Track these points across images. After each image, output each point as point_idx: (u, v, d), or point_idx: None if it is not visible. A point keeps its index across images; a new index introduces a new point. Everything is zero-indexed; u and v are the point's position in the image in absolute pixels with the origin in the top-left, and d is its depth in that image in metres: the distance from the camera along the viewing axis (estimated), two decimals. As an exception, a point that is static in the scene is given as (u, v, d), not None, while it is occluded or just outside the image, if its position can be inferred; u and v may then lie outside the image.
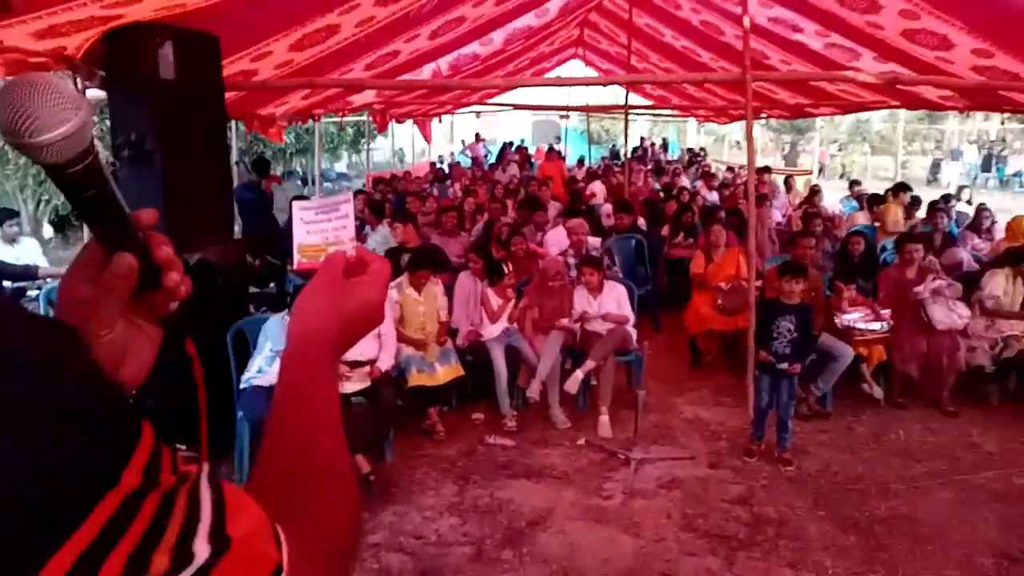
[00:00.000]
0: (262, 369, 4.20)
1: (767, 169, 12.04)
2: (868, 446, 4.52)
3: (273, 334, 4.23)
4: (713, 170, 15.29)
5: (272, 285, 6.01)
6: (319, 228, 0.91)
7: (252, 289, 5.47)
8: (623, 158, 12.01)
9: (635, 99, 14.99)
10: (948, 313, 4.97)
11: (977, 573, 3.22)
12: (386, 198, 9.18)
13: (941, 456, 4.39)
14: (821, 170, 22.34)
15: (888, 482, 4.04)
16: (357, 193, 9.04)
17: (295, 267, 0.92)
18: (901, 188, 8.39)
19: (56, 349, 0.42)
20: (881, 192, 8.82)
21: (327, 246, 0.89)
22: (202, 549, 0.43)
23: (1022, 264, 5.18)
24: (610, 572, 3.25)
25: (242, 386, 4.20)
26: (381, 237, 7.03)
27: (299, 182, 20.19)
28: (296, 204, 0.96)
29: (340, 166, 24.33)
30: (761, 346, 4.38)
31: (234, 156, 9.54)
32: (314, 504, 0.55)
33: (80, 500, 0.39)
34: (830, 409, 4.95)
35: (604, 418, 4.74)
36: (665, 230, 7.67)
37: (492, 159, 17.52)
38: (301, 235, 0.92)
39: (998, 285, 5.14)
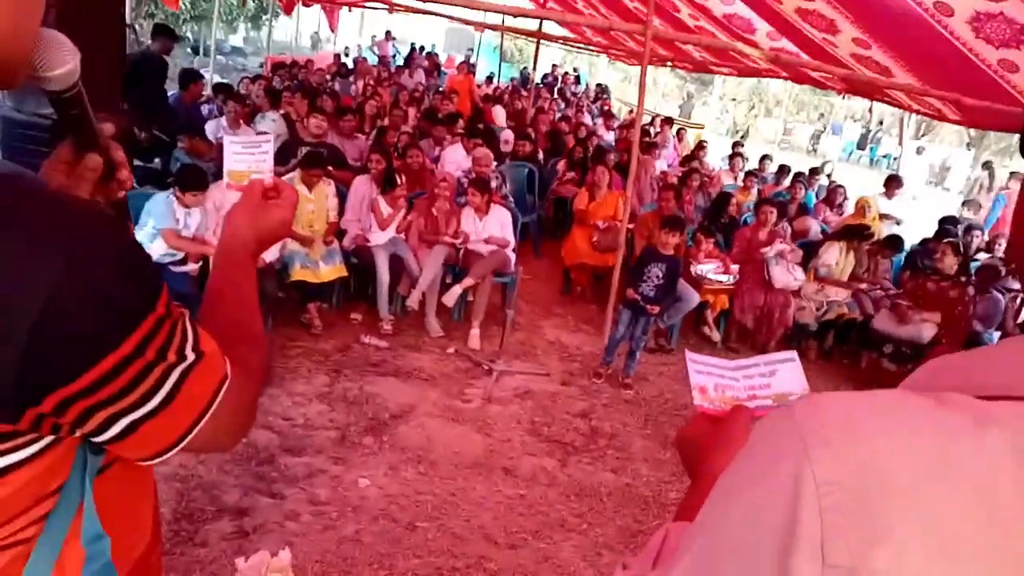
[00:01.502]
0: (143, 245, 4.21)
1: (670, 120, 12.54)
2: (699, 381, 5.15)
3: (158, 212, 4.24)
4: (616, 109, 15.69)
5: (157, 160, 5.85)
6: (243, 159, 1.17)
7: (136, 163, 5.34)
8: (531, 84, 12.13)
9: (551, 26, 14.94)
10: (786, 274, 5.63)
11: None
12: (286, 85, 8.93)
13: (757, 395, 5.07)
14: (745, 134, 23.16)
15: (709, 412, 4.66)
16: (256, 78, 8.74)
17: (224, 186, 1.20)
18: (749, 174, 8.89)
19: (124, 229, 0.68)
20: (755, 157, 9.44)
21: (250, 172, 1.15)
22: (190, 354, 0.71)
23: (855, 239, 5.91)
24: (460, 463, 3.65)
25: (121, 259, 4.20)
26: (269, 123, 6.93)
27: (189, 50, 18.85)
28: (227, 138, 1.24)
29: (236, 39, 22.83)
30: (630, 285, 4.83)
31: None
32: (242, 350, 0.83)
33: (141, 311, 0.66)
34: (674, 346, 5.55)
35: (475, 331, 5.10)
36: (562, 165, 7.96)
37: (400, 60, 17.08)
38: (230, 163, 1.18)
39: (832, 256, 5.85)
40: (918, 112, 7.65)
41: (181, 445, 0.74)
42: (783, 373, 0.88)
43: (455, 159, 6.83)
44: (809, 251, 6.04)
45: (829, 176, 10.45)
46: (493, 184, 6.12)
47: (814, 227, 6.91)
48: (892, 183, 8.07)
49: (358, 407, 4.04)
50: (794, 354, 0.90)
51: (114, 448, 0.71)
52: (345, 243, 5.16)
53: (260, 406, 3.92)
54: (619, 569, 0.69)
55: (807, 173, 9.09)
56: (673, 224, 4.86)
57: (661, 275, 4.75)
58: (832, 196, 8.11)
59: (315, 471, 3.42)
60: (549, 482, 3.62)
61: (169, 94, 7.81)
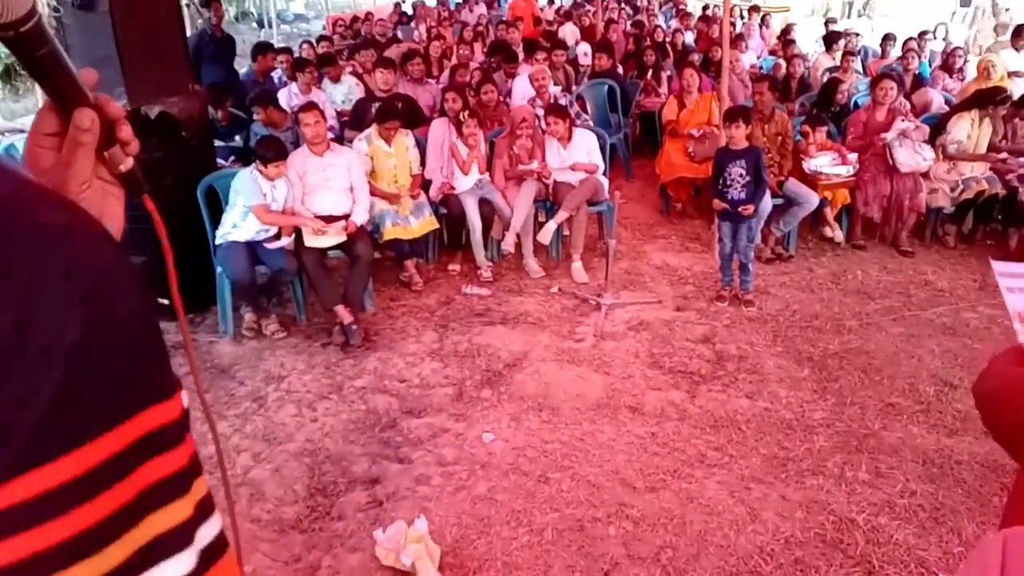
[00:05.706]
0: (236, 224, 4.20)
1: (756, 8, 11.52)
2: (826, 286, 4.75)
3: (245, 189, 4.19)
4: (690, 8, 14.64)
5: (237, 138, 5.84)
6: None
7: (218, 143, 5.33)
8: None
9: (609, -72, 13.98)
10: (913, 155, 5.05)
11: (919, 399, 3.50)
12: (347, 44, 8.74)
13: (895, 294, 4.63)
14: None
15: (843, 319, 4.29)
16: (319, 40, 8.59)
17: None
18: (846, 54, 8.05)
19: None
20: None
21: None
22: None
23: (988, 106, 5.21)
24: (581, 406, 3.50)
25: (218, 242, 4.22)
26: (347, 88, 6.77)
27: (255, 24, 18.97)
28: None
29: (296, 6, 22.82)
30: (716, 195, 4.46)
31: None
32: None
33: None
34: (792, 252, 5.14)
35: (577, 264, 4.88)
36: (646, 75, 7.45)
37: (458, -3, 16.53)
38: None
39: (962, 130, 5.18)
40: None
41: None
42: None
43: (526, 87, 6.48)
44: (934, 127, 5.38)
45: (945, 39, 9.35)
46: (563, 102, 5.76)
47: (936, 98, 6.17)
48: (1021, 33, 7.10)
49: (471, 360, 3.94)
50: None
51: None
52: (432, 194, 5.00)
53: (375, 371, 3.89)
54: None
55: (917, 39, 8.14)
56: (734, 116, 4.42)
57: (744, 172, 4.34)
58: (950, 60, 7.23)
59: (438, 431, 3.35)
60: (680, 416, 3.41)
61: (242, 72, 7.84)
